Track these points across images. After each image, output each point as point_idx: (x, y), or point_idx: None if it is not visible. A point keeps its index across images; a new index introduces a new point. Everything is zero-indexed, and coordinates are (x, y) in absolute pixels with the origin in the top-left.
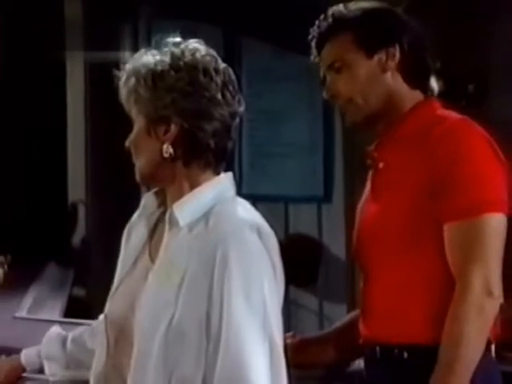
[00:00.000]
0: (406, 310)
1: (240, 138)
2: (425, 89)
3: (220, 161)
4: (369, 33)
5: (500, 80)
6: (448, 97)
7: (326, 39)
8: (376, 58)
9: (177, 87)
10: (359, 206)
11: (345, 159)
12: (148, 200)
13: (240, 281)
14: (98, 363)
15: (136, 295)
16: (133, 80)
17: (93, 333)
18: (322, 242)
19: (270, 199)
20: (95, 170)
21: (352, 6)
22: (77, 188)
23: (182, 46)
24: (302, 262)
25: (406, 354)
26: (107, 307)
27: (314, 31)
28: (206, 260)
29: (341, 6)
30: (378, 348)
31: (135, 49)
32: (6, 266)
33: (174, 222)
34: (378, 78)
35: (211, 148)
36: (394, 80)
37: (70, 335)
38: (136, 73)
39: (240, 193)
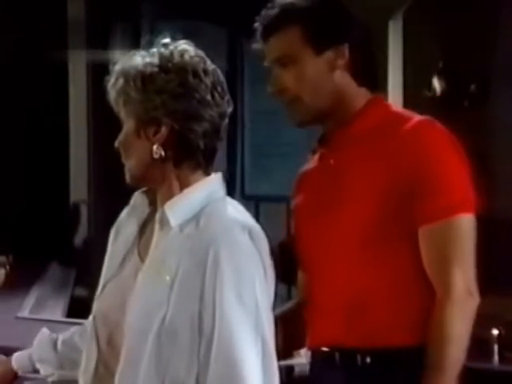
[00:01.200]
0: (370, 313)
1: (242, 139)
2: (373, 86)
3: (209, 161)
4: (318, 30)
5: (502, 80)
6: (450, 96)
7: (273, 31)
8: (325, 56)
9: (167, 89)
10: (299, 200)
11: None
12: (137, 199)
13: (232, 281)
14: (87, 364)
15: (126, 294)
16: (121, 81)
17: (83, 333)
18: None
19: (272, 199)
20: (97, 169)
21: None
22: (79, 188)
23: (171, 47)
24: None
25: (368, 359)
26: (95, 307)
27: (260, 19)
28: (197, 260)
29: None
30: (337, 354)
31: (138, 48)
32: (7, 267)
33: (165, 222)
34: (326, 76)
35: (201, 149)
36: (342, 78)
37: (61, 337)
38: (125, 74)
39: (243, 193)
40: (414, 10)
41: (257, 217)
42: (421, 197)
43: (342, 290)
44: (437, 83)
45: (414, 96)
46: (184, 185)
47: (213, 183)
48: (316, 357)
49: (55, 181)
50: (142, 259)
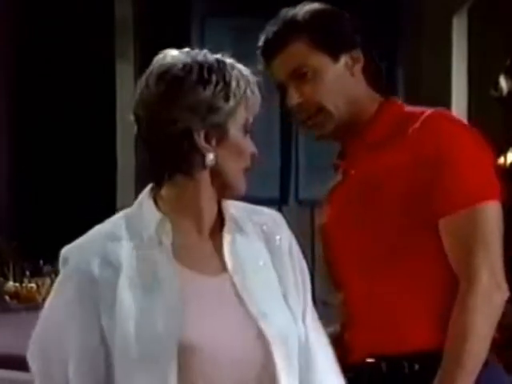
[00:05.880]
0: (411, 318)
1: (296, 141)
2: (383, 89)
3: None
4: (325, 37)
5: None
6: None
7: (279, 46)
8: (342, 61)
9: None
10: (324, 218)
11: None
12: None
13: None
14: None
15: (221, 317)
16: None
17: None
18: None
19: None
20: (144, 175)
21: (300, 9)
22: (126, 193)
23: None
24: None
25: (417, 366)
26: (183, 331)
27: (262, 39)
28: (276, 251)
29: (289, 11)
30: (383, 363)
31: (187, 47)
32: (53, 276)
33: (236, 226)
34: (347, 82)
35: None
36: (360, 84)
37: None
38: None
39: (297, 198)
40: (480, 4)
41: (312, 223)
42: (439, 188)
43: (380, 301)
44: (504, 82)
45: (479, 96)
46: None
47: None
48: (362, 370)
49: (102, 186)
50: (222, 269)
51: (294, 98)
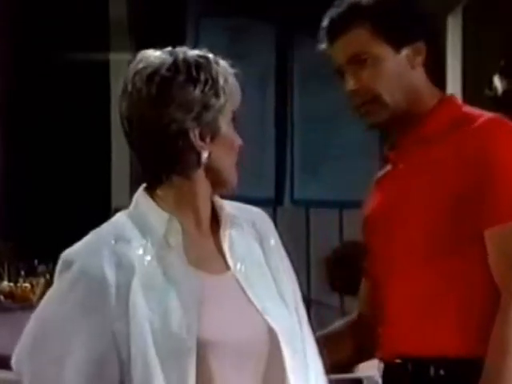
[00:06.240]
0: (442, 322)
1: (291, 139)
2: (443, 85)
3: None
4: (389, 26)
5: None
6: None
7: (341, 30)
8: (404, 52)
9: None
10: (369, 208)
11: None
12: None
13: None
14: None
15: (232, 313)
16: None
17: None
18: None
19: (323, 205)
20: (139, 174)
21: None
22: (121, 193)
23: None
24: (356, 270)
25: (442, 372)
26: (201, 329)
27: (326, 20)
28: (267, 248)
29: None
30: (410, 365)
31: (183, 47)
32: (48, 275)
33: (232, 223)
34: (406, 74)
35: None
36: (420, 77)
37: None
38: None
39: (292, 198)
40: (475, 4)
41: (307, 223)
42: (486, 198)
43: (413, 299)
44: (498, 82)
45: (474, 95)
46: None
47: None
48: (389, 369)
49: (97, 186)
50: (225, 268)
51: (350, 84)
